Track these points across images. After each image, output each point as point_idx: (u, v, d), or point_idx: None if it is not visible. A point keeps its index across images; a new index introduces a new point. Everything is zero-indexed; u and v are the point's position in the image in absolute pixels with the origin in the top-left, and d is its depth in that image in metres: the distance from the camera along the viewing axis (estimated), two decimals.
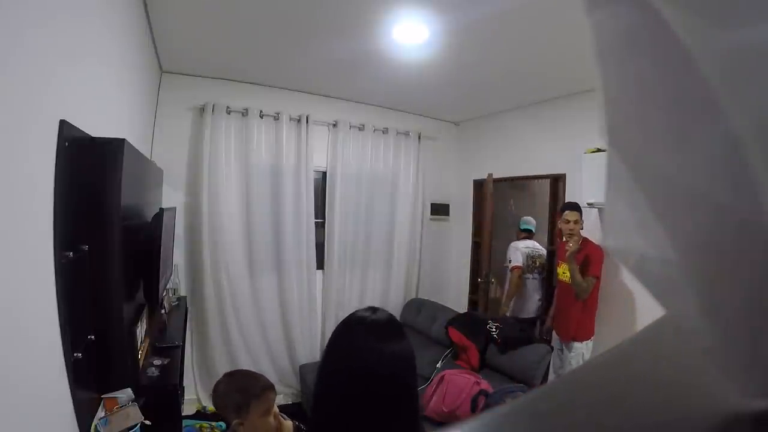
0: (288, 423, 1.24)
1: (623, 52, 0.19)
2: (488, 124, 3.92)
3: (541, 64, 2.53)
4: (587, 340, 2.57)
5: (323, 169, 3.52)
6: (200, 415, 2.94)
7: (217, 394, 1.26)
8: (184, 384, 2.83)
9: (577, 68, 2.41)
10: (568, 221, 2.57)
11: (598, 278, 2.50)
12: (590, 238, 2.60)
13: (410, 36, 2.21)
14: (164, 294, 2.33)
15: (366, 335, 0.75)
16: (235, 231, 3.10)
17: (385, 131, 3.72)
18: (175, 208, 2.38)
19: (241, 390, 1.21)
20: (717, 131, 0.15)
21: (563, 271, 2.66)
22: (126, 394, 1.30)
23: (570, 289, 2.57)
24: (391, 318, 0.79)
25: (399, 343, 0.75)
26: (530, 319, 3.48)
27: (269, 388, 1.25)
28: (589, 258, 2.53)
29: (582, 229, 2.59)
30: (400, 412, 0.73)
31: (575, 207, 2.59)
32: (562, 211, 2.64)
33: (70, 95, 1.05)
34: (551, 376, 2.69)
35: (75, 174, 1.03)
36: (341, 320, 0.80)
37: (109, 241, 1.20)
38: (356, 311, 0.80)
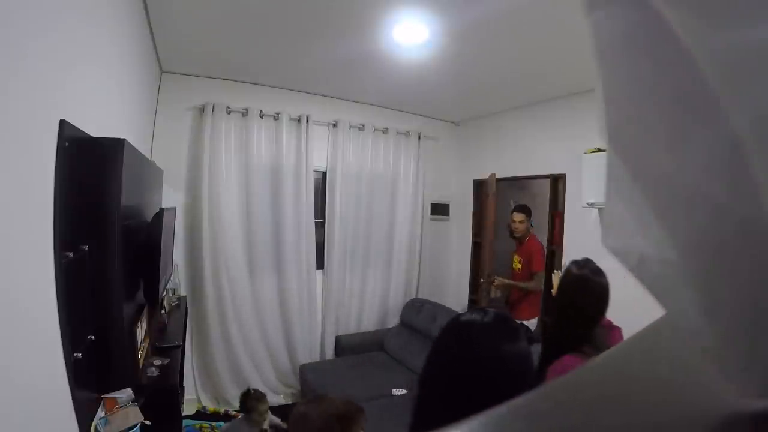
0: None
1: (623, 52, 0.19)
2: (488, 124, 3.92)
3: (541, 64, 2.53)
4: (533, 318, 3.11)
5: (323, 169, 3.52)
6: (200, 415, 2.94)
7: (311, 425, 1.09)
8: (184, 384, 2.83)
9: (577, 68, 2.41)
10: (515, 221, 3.19)
11: (542, 271, 3.07)
12: (534, 234, 3.22)
13: (410, 36, 2.21)
14: (164, 294, 2.33)
15: (483, 339, 0.70)
16: (235, 231, 3.10)
17: (385, 131, 3.72)
18: (175, 208, 2.38)
19: (341, 417, 1.09)
20: (717, 131, 0.15)
21: (516, 262, 3.27)
22: (126, 394, 1.30)
23: (518, 276, 3.20)
24: (502, 317, 0.74)
25: (514, 345, 0.71)
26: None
27: (361, 410, 1.16)
28: (531, 255, 3.10)
29: (532, 225, 3.23)
30: None
31: (523, 209, 3.20)
32: (512, 212, 3.25)
33: (70, 95, 1.05)
34: None
35: (75, 174, 1.03)
36: (446, 324, 0.76)
37: (109, 241, 1.20)
38: (461, 314, 0.76)
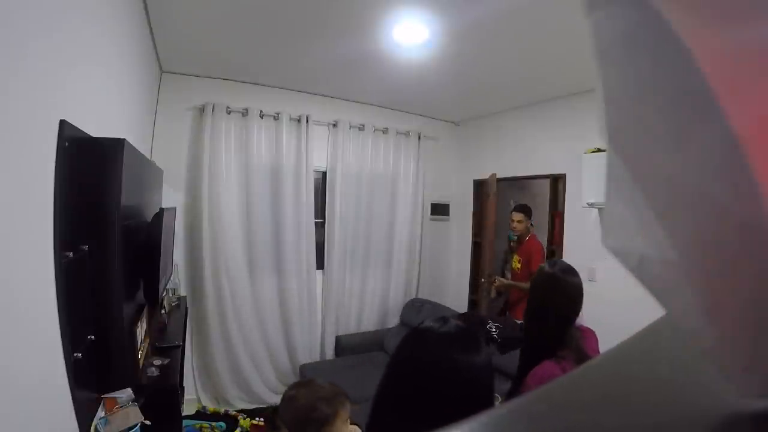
0: (355, 427, 1.21)
1: (623, 52, 0.19)
2: (488, 124, 3.92)
3: (541, 64, 2.53)
4: None
5: (323, 169, 3.52)
6: (200, 415, 2.94)
7: (296, 406, 1.14)
8: (184, 384, 2.83)
9: (577, 68, 2.41)
10: (513, 220, 3.22)
11: None
12: (534, 234, 3.25)
13: (410, 36, 2.21)
14: (164, 294, 2.33)
15: (437, 348, 0.71)
16: (235, 231, 3.10)
17: (385, 131, 3.72)
18: (175, 208, 2.38)
19: (326, 399, 1.15)
20: (717, 131, 0.15)
21: (515, 262, 3.29)
22: (126, 394, 1.30)
23: (518, 277, 3.21)
24: (461, 328, 0.74)
25: (475, 356, 0.71)
26: None
27: (346, 395, 1.20)
28: (530, 255, 3.11)
29: (532, 225, 3.26)
30: None
31: (522, 209, 3.21)
32: (511, 211, 3.27)
33: (70, 95, 1.05)
34: None
35: (75, 174, 1.03)
36: (408, 332, 0.77)
37: (109, 241, 1.20)
38: (423, 322, 0.77)
